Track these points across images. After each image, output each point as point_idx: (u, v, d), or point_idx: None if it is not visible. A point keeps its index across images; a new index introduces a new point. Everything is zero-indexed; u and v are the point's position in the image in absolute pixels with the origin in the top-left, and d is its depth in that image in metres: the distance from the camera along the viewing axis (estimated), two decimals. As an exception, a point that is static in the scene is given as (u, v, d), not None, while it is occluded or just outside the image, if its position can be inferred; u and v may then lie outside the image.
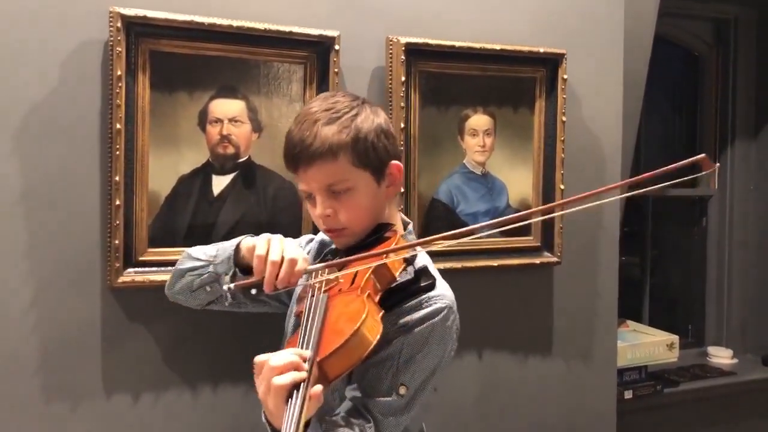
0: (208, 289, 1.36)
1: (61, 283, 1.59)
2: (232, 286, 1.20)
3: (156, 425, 1.70)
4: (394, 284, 1.19)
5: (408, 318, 1.17)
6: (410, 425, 1.25)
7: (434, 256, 1.92)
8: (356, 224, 1.26)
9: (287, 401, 0.96)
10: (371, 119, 1.26)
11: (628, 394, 2.60)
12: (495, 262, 1.99)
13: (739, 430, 2.95)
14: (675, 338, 2.74)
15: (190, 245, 1.66)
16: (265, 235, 1.24)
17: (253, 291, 1.21)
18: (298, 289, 1.36)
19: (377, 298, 1.14)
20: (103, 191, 1.60)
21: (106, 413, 1.65)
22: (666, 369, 2.86)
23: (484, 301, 2.04)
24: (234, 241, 1.33)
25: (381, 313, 1.10)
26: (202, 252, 1.40)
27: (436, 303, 1.19)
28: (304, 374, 0.98)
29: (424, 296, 1.20)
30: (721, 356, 3.09)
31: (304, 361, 1.00)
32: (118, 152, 1.57)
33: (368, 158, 1.24)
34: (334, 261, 1.22)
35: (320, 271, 1.19)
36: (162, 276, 1.63)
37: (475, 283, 1.98)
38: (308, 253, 1.45)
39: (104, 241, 1.60)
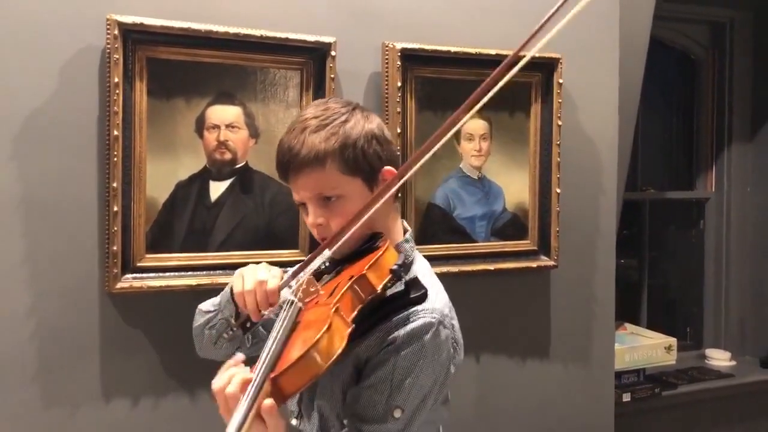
0: (225, 336, 1.33)
1: (59, 289, 1.60)
2: (234, 327, 1.23)
3: (154, 431, 1.70)
4: (384, 296, 1.15)
5: (396, 333, 1.13)
6: None
7: (431, 260, 1.93)
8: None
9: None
10: (361, 125, 1.23)
11: (626, 397, 2.60)
12: (492, 266, 2.00)
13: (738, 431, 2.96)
14: (673, 341, 2.75)
15: (187, 251, 1.68)
16: (239, 270, 1.24)
17: (248, 324, 1.23)
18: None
19: (354, 312, 1.09)
20: (101, 197, 1.61)
21: (105, 419, 1.65)
22: (664, 371, 2.87)
23: (482, 304, 2.04)
24: (230, 283, 1.32)
25: (349, 329, 1.05)
26: (210, 303, 1.39)
27: (424, 317, 1.14)
28: (250, 376, 0.98)
29: (412, 309, 1.15)
30: (719, 358, 3.10)
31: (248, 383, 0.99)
32: (115, 158, 1.58)
33: (358, 165, 1.21)
34: (298, 271, 1.19)
35: (300, 282, 1.14)
36: (159, 282, 1.64)
37: (472, 286, 1.99)
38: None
39: (102, 247, 1.61)
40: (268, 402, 0.96)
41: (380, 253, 1.15)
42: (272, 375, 0.97)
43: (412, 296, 1.16)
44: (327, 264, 1.30)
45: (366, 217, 1.15)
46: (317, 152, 1.17)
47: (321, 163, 1.18)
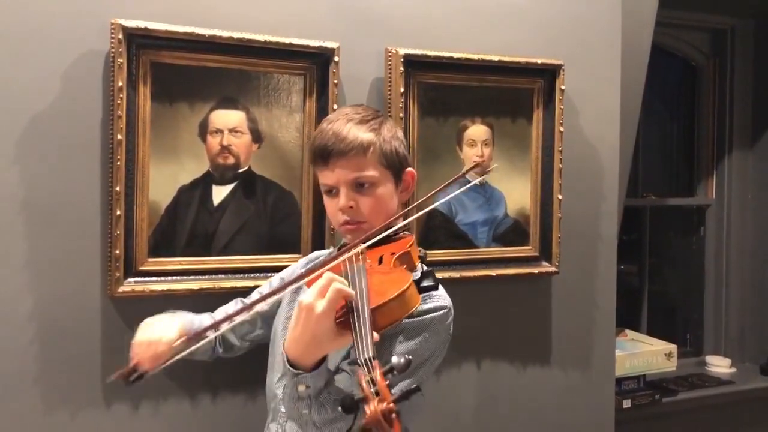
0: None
1: (61, 293, 1.60)
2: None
3: (155, 434, 1.70)
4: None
5: None
6: None
7: (433, 266, 1.93)
8: (374, 219, 1.34)
9: (349, 322, 1.04)
10: (393, 129, 1.41)
11: (626, 403, 2.60)
12: (493, 272, 2.00)
13: (738, 439, 2.96)
14: (673, 347, 2.74)
15: (190, 255, 1.68)
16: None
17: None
18: (284, 303, 1.47)
19: None
20: (104, 201, 1.61)
21: (106, 423, 1.65)
22: (664, 378, 2.87)
23: (483, 310, 2.05)
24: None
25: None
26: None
27: (438, 301, 1.28)
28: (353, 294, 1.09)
29: (427, 294, 1.25)
30: (719, 365, 3.09)
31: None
32: (119, 162, 1.58)
33: (392, 160, 1.37)
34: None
35: (345, 258, 1.24)
36: (162, 286, 1.64)
37: (473, 292, 1.99)
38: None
39: (105, 250, 1.61)
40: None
41: (413, 239, 1.31)
42: (372, 306, 1.06)
43: (427, 284, 1.25)
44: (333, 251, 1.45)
45: (400, 224, 1.34)
46: (362, 141, 1.33)
47: (365, 151, 1.33)
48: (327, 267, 1.20)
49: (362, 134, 1.33)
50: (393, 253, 1.24)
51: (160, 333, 1.37)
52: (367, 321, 1.01)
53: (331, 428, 1.14)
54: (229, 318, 1.39)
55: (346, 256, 1.22)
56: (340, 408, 0.90)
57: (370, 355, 0.92)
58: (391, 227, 1.29)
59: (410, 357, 0.91)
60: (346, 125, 1.34)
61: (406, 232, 1.38)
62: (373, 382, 0.88)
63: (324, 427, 1.14)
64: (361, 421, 0.85)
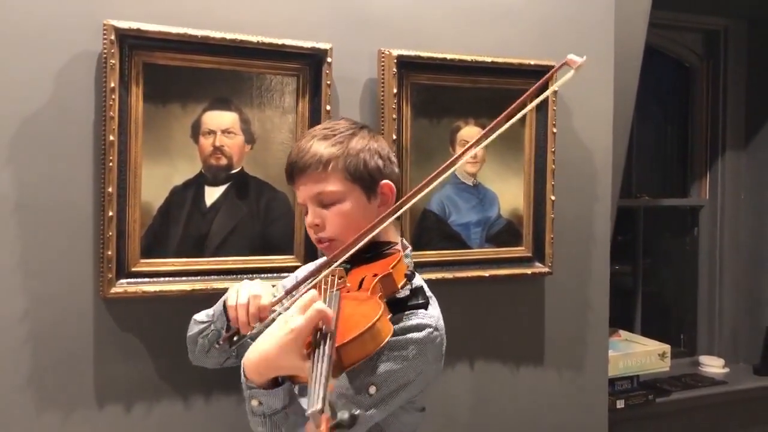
0: (216, 346, 1.42)
1: (53, 294, 1.59)
2: (221, 341, 1.31)
3: (148, 436, 1.70)
4: (395, 297, 1.23)
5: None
6: None
7: (426, 266, 1.93)
8: (343, 236, 1.30)
9: (310, 355, 1.01)
10: (366, 140, 1.35)
11: (619, 404, 2.61)
12: (486, 273, 2.00)
13: (731, 439, 2.97)
14: (667, 347, 2.75)
15: (182, 256, 1.68)
16: (235, 285, 1.34)
17: (235, 338, 1.30)
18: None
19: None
20: (96, 202, 1.61)
21: (98, 424, 1.65)
22: (658, 378, 2.88)
23: (476, 311, 2.05)
24: (223, 297, 1.39)
25: (389, 316, 1.15)
26: (204, 314, 1.47)
27: (422, 319, 1.22)
28: (332, 322, 1.05)
29: (412, 312, 1.23)
30: (712, 365, 3.10)
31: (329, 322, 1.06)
32: (111, 163, 1.58)
33: (357, 173, 1.31)
34: (291, 289, 1.29)
35: (330, 271, 1.24)
36: (154, 287, 1.64)
37: (466, 293, 1.99)
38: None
39: (97, 251, 1.61)
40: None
41: (400, 257, 1.27)
42: (336, 345, 1.03)
43: (416, 302, 1.25)
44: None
45: (371, 235, 1.26)
46: (321, 156, 1.30)
47: (324, 166, 1.30)
48: (308, 286, 1.20)
49: (323, 149, 1.30)
50: (375, 275, 1.21)
51: (259, 288, 1.30)
52: (327, 363, 0.96)
53: None
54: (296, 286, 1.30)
55: (322, 275, 1.21)
56: None
57: (319, 408, 0.87)
58: (357, 244, 1.24)
59: (357, 412, 0.87)
60: (309, 141, 1.33)
61: (398, 247, 1.34)
62: None
63: None
64: None
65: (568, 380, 2.21)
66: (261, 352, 1.09)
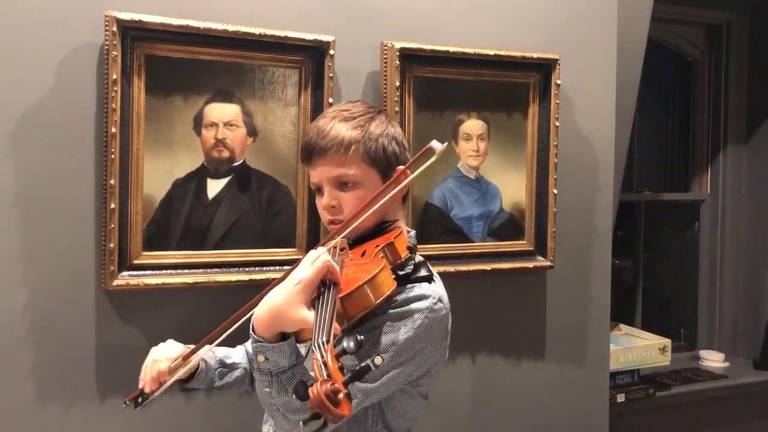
0: (123, 405, 1.44)
1: (55, 286, 1.59)
2: (127, 401, 1.40)
3: (149, 428, 1.70)
4: (398, 268, 1.25)
5: (396, 297, 1.20)
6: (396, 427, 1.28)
7: (428, 260, 1.93)
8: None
9: (314, 302, 1.06)
10: (385, 125, 1.35)
11: (620, 398, 2.61)
12: (488, 266, 2.00)
13: (731, 433, 2.97)
14: (667, 342, 2.76)
15: (184, 249, 1.68)
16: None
17: (140, 399, 1.38)
18: None
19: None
20: (98, 194, 1.60)
21: (100, 416, 1.65)
22: (658, 372, 2.89)
23: (478, 304, 2.05)
24: None
25: (394, 276, 1.18)
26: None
27: (424, 291, 1.23)
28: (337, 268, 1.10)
29: (414, 284, 1.24)
30: (712, 360, 3.11)
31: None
32: (113, 156, 1.57)
33: (377, 157, 1.32)
34: (191, 352, 1.36)
35: (334, 243, 1.25)
36: (156, 279, 1.64)
37: (468, 286, 1.99)
38: None
39: (99, 244, 1.61)
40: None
41: (400, 231, 1.29)
42: (340, 295, 1.07)
43: (419, 275, 1.26)
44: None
45: (375, 207, 1.26)
46: (343, 138, 1.29)
47: (346, 149, 1.29)
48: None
49: (345, 132, 1.30)
50: (377, 245, 1.23)
51: (162, 353, 1.37)
52: (330, 307, 1.01)
53: (298, 418, 1.10)
54: (222, 328, 1.33)
55: (324, 248, 1.22)
56: (293, 395, 0.87)
57: (324, 339, 0.91)
58: (360, 216, 1.26)
59: (362, 338, 0.90)
60: (330, 122, 1.31)
61: (399, 224, 1.36)
62: (325, 365, 0.87)
63: (290, 415, 1.11)
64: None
65: (569, 374, 2.21)
66: (270, 303, 1.10)
